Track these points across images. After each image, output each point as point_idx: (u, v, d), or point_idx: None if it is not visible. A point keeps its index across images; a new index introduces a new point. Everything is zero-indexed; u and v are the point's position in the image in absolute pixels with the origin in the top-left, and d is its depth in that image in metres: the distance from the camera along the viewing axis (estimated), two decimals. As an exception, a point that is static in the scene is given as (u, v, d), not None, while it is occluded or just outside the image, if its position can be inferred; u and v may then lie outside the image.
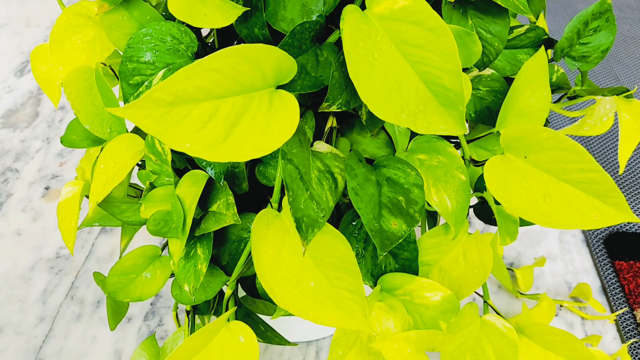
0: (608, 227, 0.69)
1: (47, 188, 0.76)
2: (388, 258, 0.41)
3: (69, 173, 0.78)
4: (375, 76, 0.32)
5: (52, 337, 0.58)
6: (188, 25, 0.40)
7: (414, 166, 0.41)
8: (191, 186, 0.40)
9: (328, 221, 0.41)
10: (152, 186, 0.42)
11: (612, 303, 0.61)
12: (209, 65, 0.30)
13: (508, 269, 0.63)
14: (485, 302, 0.49)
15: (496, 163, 0.39)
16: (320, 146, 0.37)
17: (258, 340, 0.44)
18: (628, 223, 0.70)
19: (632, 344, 0.57)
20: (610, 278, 0.64)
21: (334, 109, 0.36)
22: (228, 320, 0.38)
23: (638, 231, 0.68)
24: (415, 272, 0.42)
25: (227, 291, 0.42)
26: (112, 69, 0.54)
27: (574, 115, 0.52)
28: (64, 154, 0.82)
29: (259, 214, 0.35)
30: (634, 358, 0.56)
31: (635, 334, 0.58)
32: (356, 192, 0.34)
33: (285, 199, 0.37)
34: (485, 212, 0.47)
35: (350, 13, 0.32)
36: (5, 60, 1.00)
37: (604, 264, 0.65)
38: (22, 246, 0.67)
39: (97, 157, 0.44)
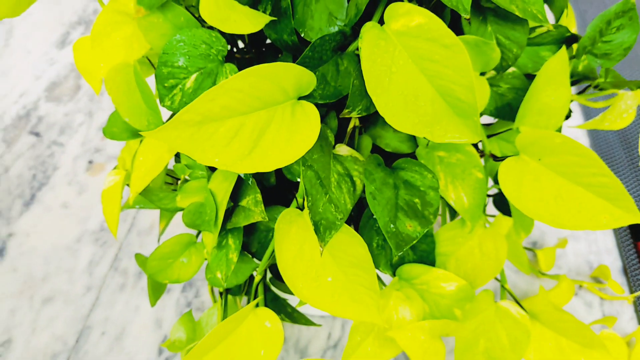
0: (633, 208, 0.69)
1: (90, 162, 0.80)
2: (407, 250, 0.44)
3: (111, 147, 0.82)
4: (392, 90, 0.34)
5: (99, 306, 0.63)
6: (219, 31, 0.42)
7: (434, 163, 0.43)
8: (222, 181, 0.43)
9: (350, 216, 0.44)
10: (187, 179, 0.46)
11: (632, 284, 0.63)
12: (231, 86, 0.32)
13: (530, 249, 0.65)
14: (502, 287, 0.51)
15: (511, 164, 0.40)
16: (342, 149, 0.39)
17: (285, 320, 0.47)
18: (654, 204, 0.70)
19: (649, 325, 0.59)
20: (632, 259, 0.65)
21: (354, 114, 0.38)
22: (256, 306, 0.42)
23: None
24: (433, 263, 0.44)
25: (256, 277, 0.45)
26: (149, 59, 0.57)
27: (599, 106, 0.53)
28: (105, 127, 0.86)
29: (282, 213, 0.38)
30: (650, 339, 0.58)
31: (652, 315, 0.60)
32: (374, 197, 0.37)
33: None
34: (504, 203, 0.49)
35: (369, 30, 0.34)
36: (47, 31, 1.03)
37: (627, 244, 0.66)
38: (68, 219, 0.72)
39: (137, 150, 0.47)
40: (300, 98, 0.37)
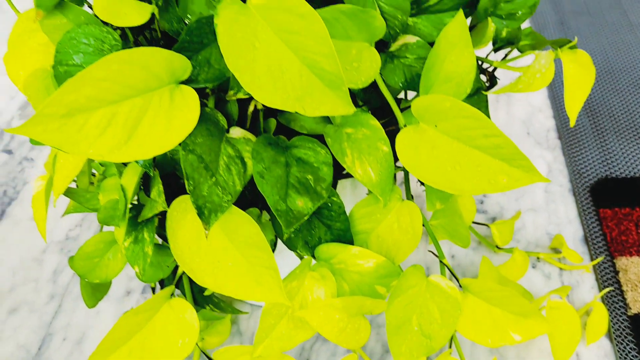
0: (596, 174, 0.67)
1: (59, 174, 0.81)
2: (322, 229, 0.43)
3: (78, 158, 0.83)
4: (257, 65, 0.33)
5: (61, 312, 0.64)
6: (112, 26, 0.42)
7: (342, 140, 0.42)
8: (133, 176, 0.43)
9: (259, 200, 0.43)
10: (104, 177, 0.46)
11: (593, 252, 0.61)
12: (92, 75, 0.32)
13: (486, 224, 0.64)
14: (440, 262, 0.50)
15: (408, 133, 0.40)
16: (235, 132, 0.39)
17: (214, 311, 0.47)
18: (615, 168, 0.68)
19: (609, 292, 0.57)
20: (593, 227, 0.63)
21: (240, 95, 0.38)
22: (172, 296, 0.42)
23: (623, 175, 0.67)
24: (350, 241, 0.44)
25: (179, 269, 0.45)
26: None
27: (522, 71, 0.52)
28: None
29: (176, 200, 0.38)
30: (610, 307, 0.56)
31: (613, 282, 0.58)
32: (262, 176, 0.37)
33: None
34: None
35: (228, 7, 0.34)
36: None
37: (588, 212, 0.64)
38: (36, 231, 0.74)
39: (56, 154, 0.47)
40: (183, 82, 0.37)
